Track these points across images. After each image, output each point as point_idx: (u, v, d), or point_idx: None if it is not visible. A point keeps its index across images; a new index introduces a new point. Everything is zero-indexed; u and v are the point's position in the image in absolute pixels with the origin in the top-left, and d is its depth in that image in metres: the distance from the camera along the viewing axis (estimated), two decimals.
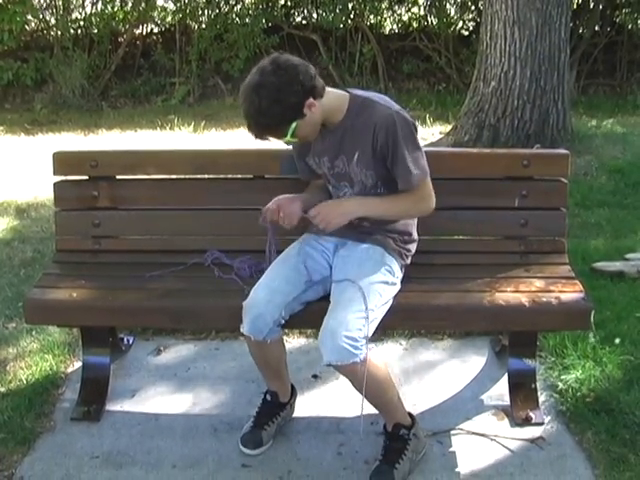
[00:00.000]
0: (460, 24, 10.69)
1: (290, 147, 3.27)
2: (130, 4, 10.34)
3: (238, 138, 7.86)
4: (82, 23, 10.37)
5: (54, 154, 3.65)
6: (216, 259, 3.51)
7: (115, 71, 10.29)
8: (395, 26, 10.94)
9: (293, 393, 3.42)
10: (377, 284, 3.01)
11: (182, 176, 3.75)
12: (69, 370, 3.82)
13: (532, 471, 3.09)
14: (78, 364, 3.79)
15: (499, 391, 3.58)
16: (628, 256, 4.67)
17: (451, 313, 3.19)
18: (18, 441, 3.28)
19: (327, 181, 3.23)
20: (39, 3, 10.29)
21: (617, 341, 3.79)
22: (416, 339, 4.03)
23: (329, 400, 3.56)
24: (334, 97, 3.03)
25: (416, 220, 3.28)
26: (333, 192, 3.23)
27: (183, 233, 3.72)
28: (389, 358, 3.74)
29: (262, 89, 2.81)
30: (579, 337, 3.79)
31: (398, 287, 3.13)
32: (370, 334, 2.89)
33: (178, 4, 10.40)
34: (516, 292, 3.21)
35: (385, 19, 10.83)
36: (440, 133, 7.98)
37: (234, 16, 10.34)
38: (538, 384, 3.49)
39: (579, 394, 3.46)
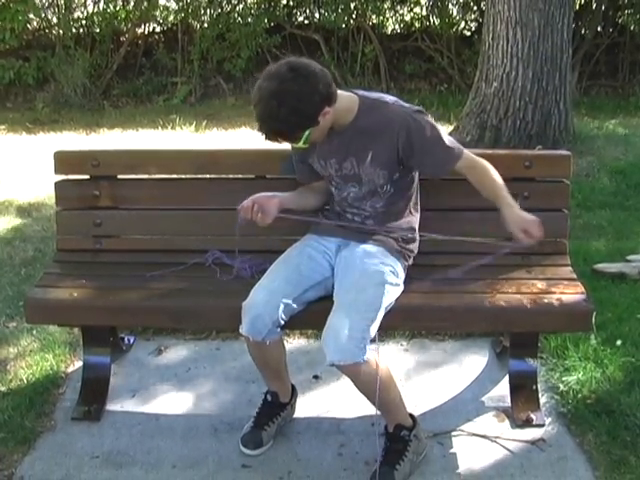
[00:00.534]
0: (462, 24, 10.67)
1: (290, 147, 3.26)
2: (132, 3, 10.32)
3: (240, 138, 7.85)
4: (84, 22, 10.35)
5: (55, 153, 3.65)
6: (217, 259, 3.51)
7: (117, 70, 10.27)
8: (397, 26, 10.91)
9: (293, 393, 3.42)
10: (381, 285, 3.01)
11: (183, 176, 3.75)
12: (70, 370, 3.82)
13: (533, 473, 3.09)
14: (79, 364, 3.79)
15: (500, 392, 3.57)
16: (629, 257, 4.66)
17: (452, 314, 3.18)
18: (18, 440, 3.28)
19: (330, 182, 3.22)
20: (41, 2, 10.26)
21: (618, 343, 3.78)
22: (417, 340, 4.02)
23: (330, 401, 3.55)
24: (344, 100, 3.02)
25: (418, 218, 3.28)
26: (336, 193, 3.23)
27: (184, 233, 3.71)
28: (390, 359, 3.72)
29: (282, 96, 2.78)
30: (580, 338, 3.79)
31: (401, 288, 3.13)
32: (373, 335, 2.89)
33: (180, 3, 10.37)
34: (517, 293, 3.21)
35: (387, 19, 10.80)
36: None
37: (236, 16, 10.32)
38: (539, 385, 3.49)
39: (580, 396, 3.46)
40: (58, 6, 10.23)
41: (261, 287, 3.07)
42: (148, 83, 10.30)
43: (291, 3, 10.62)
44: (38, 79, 10.02)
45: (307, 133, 2.90)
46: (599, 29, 10.02)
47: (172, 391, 3.67)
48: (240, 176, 3.71)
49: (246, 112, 8.83)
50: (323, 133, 3.01)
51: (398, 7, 10.74)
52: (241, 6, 10.39)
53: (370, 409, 3.11)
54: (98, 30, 10.22)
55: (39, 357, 3.86)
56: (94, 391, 3.56)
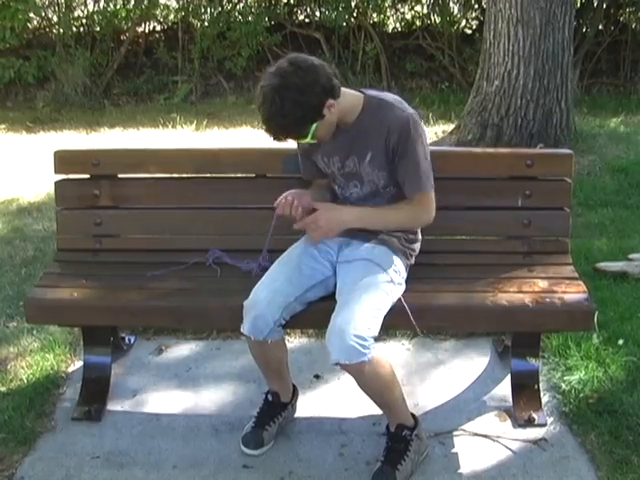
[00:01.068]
0: (463, 23, 10.66)
1: (294, 146, 3.25)
2: (133, 2, 10.31)
3: (240, 137, 7.84)
4: (84, 21, 10.36)
5: (55, 152, 3.64)
6: (217, 258, 3.50)
7: (117, 69, 10.26)
8: (398, 24, 10.91)
9: (295, 393, 3.41)
10: (384, 284, 3.01)
11: (184, 175, 3.74)
12: (70, 370, 3.82)
13: (534, 472, 3.08)
14: (79, 363, 3.79)
15: (502, 392, 3.56)
16: (631, 256, 4.65)
17: (454, 313, 3.18)
18: (19, 441, 3.28)
19: (333, 180, 3.22)
20: (41, 1, 10.26)
21: (620, 342, 3.78)
22: (419, 339, 4.01)
23: (331, 400, 3.54)
24: (349, 97, 3.01)
25: None
26: (339, 192, 3.22)
27: (185, 232, 3.70)
28: (392, 358, 3.71)
29: (284, 91, 2.78)
30: (582, 338, 3.78)
31: (404, 287, 3.12)
32: (377, 334, 2.89)
33: (181, 2, 10.38)
34: (519, 292, 3.20)
35: (388, 17, 10.80)
36: (443, 132, 7.96)
37: (237, 14, 10.31)
38: (541, 385, 3.48)
39: (582, 395, 3.45)
40: (58, 5, 10.23)
41: (262, 286, 3.06)
42: (149, 82, 10.29)
43: (292, 1, 10.62)
44: (38, 78, 10.02)
45: (314, 127, 2.89)
46: (600, 27, 10.01)
47: (173, 391, 3.66)
48: (241, 175, 3.70)
49: (247, 111, 8.84)
50: (330, 128, 3.00)
51: (399, 5, 10.73)
52: (242, 4, 10.39)
53: (371, 409, 3.11)
54: (98, 29, 10.22)
55: (39, 357, 3.85)
56: (95, 391, 3.55)
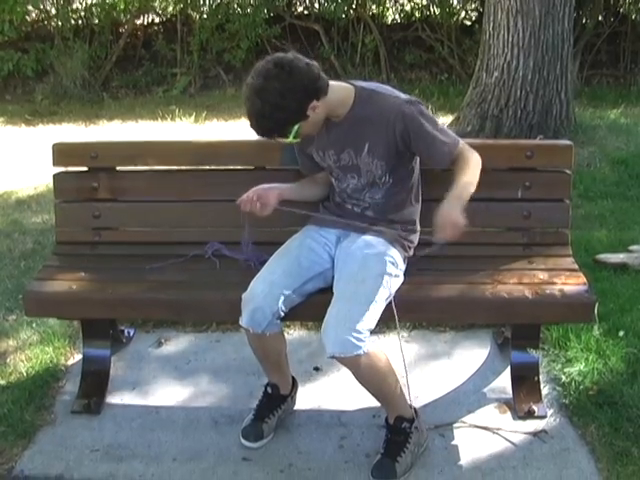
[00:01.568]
0: (463, 14, 10.64)
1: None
2: None
3: (239, 129, 7.82)
4: (83, 13, 10.34)
5: (54, 145, 3.63)
6: (216, 251, 3.49)
7: (116, 62, 10.25)
8: (397, 16, 10.89)
9: (294, 385, 3.41)
10: (381, 276, 3.00)
11: (183, 167, 3.73)
12: (69, 362, 3.81)
13: (535, 464, 3.08)
14: (78, 356, 3.78)
15: (502, 384, 3.56)
16: (631, 248, 4.64)
17: (453, 305, 3.17)
18: (18, 434, 3.27)
19: (330, 173, 3.21)
20: None
21: (621, 334, 3.77)
22: (418, 331, 4.01)
23: (330, 393, 3.54)
24: (338, 91, 3.01)
25: (419, 209, 3.27)
26: (336, 184, 3.22)
27: (183, 225, 3.69)
28: (390, 351, 3.71)
29: (265, 93, 2.80)
30: (582, 329, 3.78)
31: (401, 279, 3.12)
32: (373, 327, 2.88)
33: None
34: (519, 284, 3.19)
35: (387, 9, 10.78)
36: (442, 124, 7.93)
37: (235, 6, 10.29)
38: (541, 377, 3.48)
39: (582, 387, 3.45)
40: None
41: (261, 279, 3.05)
42: (147, 74, 10.28)
43: None
44: (37, 71, 10.01)
45: (296, 127, 2.91)
46: (600, 18, 10.00)
47: (172, 384, 3.66)
48: (240, 167, 3.70)
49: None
50: (316, 126, 3.01)
51: None
52: None
53: (371, 401, 3.11)
54: (97, 21, 10.21)
55: (39, 350, 3.85)
56: (94, 384, 3.55)
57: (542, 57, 6.93)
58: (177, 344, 3.98)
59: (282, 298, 2.99)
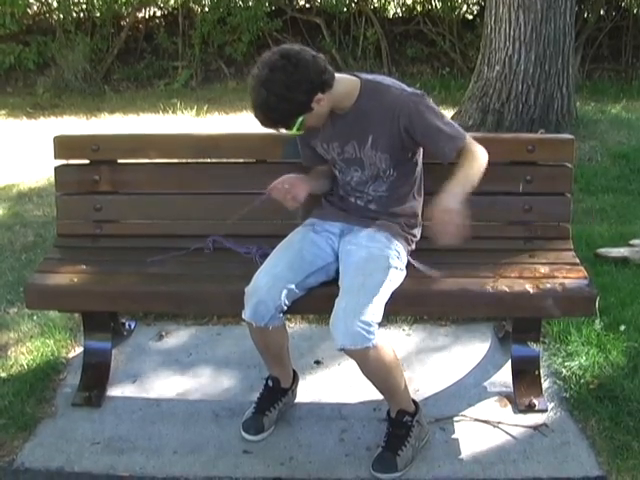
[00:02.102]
0: (464, 8, 10.64)
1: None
2: None
3: (241, 122, 7.82)
4: (84, 6, 10.34)
5: (55, 138, 3.63)
6: (217, 243, 3.49)
7: (118, 55, 10.26)
8: (399, 10, 10.89)
9: (295, 379, 3.41)
10: (386, 269, 3.00)
11: (184, 160, 3.73)
12: (70, 355, 3.82)
13: (535, 458, 3.08)
14: (79, 349, 3.79)
15: (502, 378, 3.56)
16: (632, 242, 4.64)
17: (454, 299, 3.17)
18: (19, 427, 3.27)
19: (334, 166, 3.21)
20: None
21: (622, 328, 3.77)
22: (419, 325, 4.01)
23: (331, 386, 3.54)
24: (344, 83, 3.01)
25: (422, 203, 3.26)
26: (340, 177, 3.21)
27: (184, 218, 3.69)
28: (392, 344, 3.71)
29: (271, 84, 2.80)
30: (583, 323, 3.78)
31: (405, 273, 3.11)
32: (380, 319, 2.88)
33: None
34: (520, 278, 3.19)
35: (389, 3, 10.78)
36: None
37: None
38: (542, 371, 3.48)
39: (583, 381, 3.45)
40: None
41: (264, 272, 3.05)
42: (149, 67, 10.29)
43: None
44: (38, 64, 10.02)
45: (300, 119, 2.91)
46: (602, 12, 10.00)
47: (173, 376, 3.66)
48: (241, 160, 3.70)
49: (247, 96, 8.68)
50: (320, 118, 3.01)
51: None
52: None
53: (371, 394, 3.11)
54: (99, 14, 10.21)
55: (39, 343, 3.85)
56: (95, 377, 3.55)
57: (543, 51, 6.92)
58: (178, 337, 3.98)
59: (285, 292, 2.99)
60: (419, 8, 10.60)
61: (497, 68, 7.10)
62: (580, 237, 4.46)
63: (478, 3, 10.49)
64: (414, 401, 3.14)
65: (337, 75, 2.98)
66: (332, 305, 2.89)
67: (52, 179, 3.72)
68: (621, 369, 3.51)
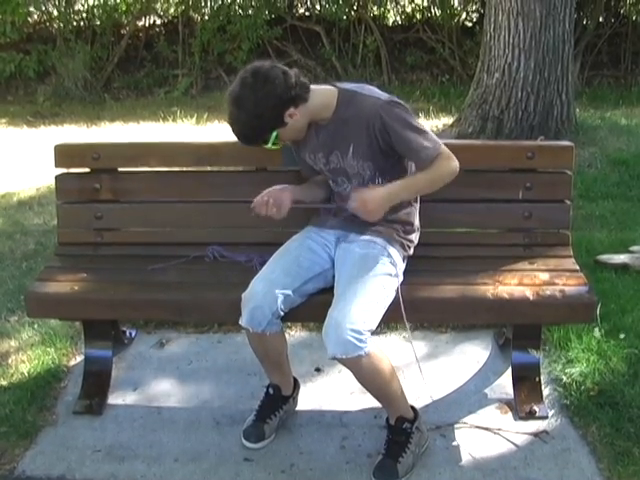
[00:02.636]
0: (464, 15, 10.67)
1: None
2: None
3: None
4: (84, 15, 10.37)
5: (56, 146, 3.64)
6: (216, 251, 3.49)
7: (118, 63, 10.28)
8: (398, 18, 10.92)
9: (296, 386, 3.41)
10: (381, 276, 3.00)
11: (184, 168, 3.74)
12: (71, 363, 3.82)
13: (536, 465, 3.08)
14: (80, 357, 3.79)
15: (503, 384, 3.56)
16: (632, 248, 4.64)
17: (454, 306, 3.17)
18: (20, 435, 3.28)
19: (326, 176, 3.23)
20: None
21: (622, 335, 3.77)
22: (419, 332, 4.01)
23: (332, 393, 3.55)
24: (321, 95, 3.04)
25: (418, 209, 3.27)
26: (333, 186, 3.23)
27: (185, 226, 3.70)
28: (391, 351, 3.72)
29: (241, 101, 2.89)
30: (583, 330, 3.78)
31: (401, 279, 3.12)
32: (374, 327, 2.88)
33: None
34: (520, 285, 3.19)
35: (388, 10, 10.81)
36: (443, 125, 7.95)
37: (237, 8, 10.32)
38: (542, 377, 3.48)
39: (583, 387, 3.45)
40: None
41: (260, 278, 3.06)
42: (149, 76, 10.31)
43: None
44: (39, 72, 10.04)
45: (274, 134, 2.96)
46: (601, 19, 10.02)
47: (174, 384, 3.66)
48: (241, 168, 3.71)
49: None
50: (298, 132, 3.06)
51: None
52: None
53: (372, 401, 3.11)
54: (99, 23, 10.24)
55: (40, 351, 3.85)
56: (96, 385, 3.55)
57: (543, 58, 6.93)
58: (178, 345, 3.98)
59: (282, 297, 2.99)
60: (418, 16, 10.63)
61: (496, 75, 7.11)
62: (580, 244, 4.47)
63: (477, 10, 10.52)
64: (413, 408, 3.14)
65: (313, 87, 3.01)
66: None
67: (52, 187, 3.73)
68: (621, 376, 3.51)
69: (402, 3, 10.84)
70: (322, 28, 10.13)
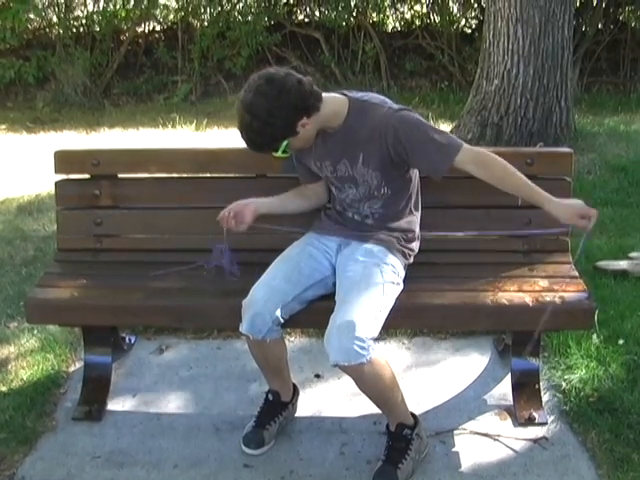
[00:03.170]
0: (463, 22, 10.66)
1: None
2: (132, 2, 10.32)
3: (240, 136, 7.82)
4: (84, 21, 10.36)
5: (55, 152, 3.64)
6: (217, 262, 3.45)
7: (117, 69, 10.27)
8: (398, 24, 10.90)
9: (295, 392, 3.41)
10: (382, 284, 3.01)
11: (184, 175, 3.74)
12: (71, 369, 3.82)
13: (535, 471, 3.08)
14: (80, 363, 3.79)
15: (502, 391, 3.57)
16: (631, 255, 4.65)
17: (454, 312, 3.17)
18: (20, 441, 3.28)
19: (330, 183, 3.23)
20: (41, 1, 10.27)
21: (621, 341, 3.77)
22: (419, 338, 4.01)
23: (331, 400, 3.55)
24: (332, 103, 3.02)
25: (419, 218, 3.27)
26: (336, 193, 3.23)
27: (185, 232, 3.70)
28: (392, 357, 3.72)
29: (254, 109, 2.84)
30: (582, 337, 3.78)
31: (402, 287, 3.12)
32: (376, 334, 2.88)
33: (180, 2, 10.38)
34: (519, 291, 3.20)
35: (388, 17, 10.79)
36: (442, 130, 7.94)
37: (236, 14, 10.31)
38: (541, 384, 3.48)
39: (582, 394, 3.45)
40: (58, 5, 10.24)
41: (261, 285, 3.06)
42: (148, 82, 10.30)
43: (291, 1, 10.62)
44: (38, 78, 10.03)
45: (285, 143, 2.94)
46: (600, 26, 10.01)
47: (173, 390, 3.66)
48: (241, 175, 3.71)
49: None
50: (307, 141, 3.04)
51: (398, 5, 10.74)
52: (241, 4, 10.39)
53: (372, 408, 3.11)
54: (98, 29, 10.23)
55: (40, 357, 3.86)
56: (95, 391, 3.55)
57: (542, 65, 6.94)
58: (178, 351, 3.98)
59: (282, 304, 3.00)
60: (418, 22, 10.63)
61: (496, 82, 7.12)
62: None
63: (477, 17, 10.52)
64: (413, 414, 3.14)
65: (325, 95, 2.99)
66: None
67: (52, 193, 3.73)
68: (620, 382, 3.51)
69: (401, 9, 10.84)
70: (321, 34, 10.13)
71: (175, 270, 3.41)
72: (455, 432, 3.31)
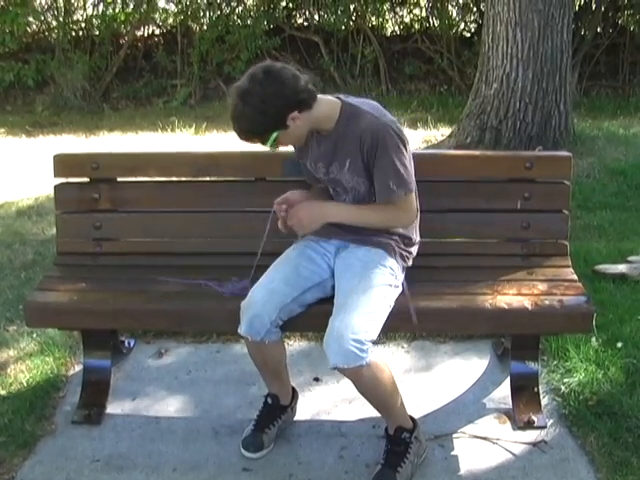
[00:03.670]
0: (462, 26, 10.68)
1: (291, 149, 3.27)
2: (131, 6, 10.35)
3: (240, 140, 7.82)
4: (83, 25, 10.38)
5: (55, 156, 3.64)
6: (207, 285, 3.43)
7: (116, 73, 10.28)
8: (397, 28, 10.93)
9: (294, 396, 3.41)
10: (381, 287, 3.01)
11: (183, 178, 3.74)
12: (70, 373, 3.82)
13: (534, 475, 3.08)
14: (79, 367, 3.78)
15: (501, 394, 3.56)
16: (630, 258, 4.65)
17: (453, 316, 3.17)
18: (19, 444, 3.27)
19: (328, 185, 3.23)
20: (40, 5, 10.30)
21: (619, 344, 3.77)
22: (418, 342, 4.01)
23: (330, 403, 3.55)
24: (325, 105, 3.03)
25: (418, 222, 3.27)
26: (335, 197, 3.23)
27: (184, 236, 3.70)
28: (391, 361, 3.72)
29: (248, 96, 2.85)
30: (581, 340, 3.78)
31: (400, 289, 3.12)
32: (375, 337, 2.89)
33: (179, 6, 10.41)
34: (518, 295, 3.20)
35: (387, 21, 10.82)
36: (442, 135, 7.96)
37: (235, 18, 10.34)
38: (540, 387, 3.48)
39: (582, 397, 3.45)
40: (57, 9, 10.26)
41: (260, 287, 3.06)
42: (148, 85, 10.31)
43: (290, 5, 10.64)
44: (38, 82, 10.04)
45: (274, 135, 2.93)
46: (599, 30, 10.03)
47: (173, 394, 3.66)
48: (240, 178, 3.71)
49: None
50: (297, 138, 3.05)
51: (398, 9, 10.77)
52: (240, 8, 10.42)
53: (371, 411, 3.11)
54: (97, 33, 10.25)
55: (39, 360, 3.85)
56: (94, 394, 3.55)
57: (541, 69, 6.95)
58: (177, 355, 3.98)
59: (280, 306, 3.00)
60: (417, 26, 10.65)
61: (495, 86, 7.12)
62: (578, 254, 4.47)
63: (476, 21, 10.54)
64: (412, 418, 3.14)
65: (320, 96, 3.00)
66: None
67: (51, 197, 3.73)
68: (619, 385, 3.51)
69: (400, 13, 10.86)
70: (320, 38, 10.15)
71: (183, 283, 3.38)
72: (454, 436, 3.31)
